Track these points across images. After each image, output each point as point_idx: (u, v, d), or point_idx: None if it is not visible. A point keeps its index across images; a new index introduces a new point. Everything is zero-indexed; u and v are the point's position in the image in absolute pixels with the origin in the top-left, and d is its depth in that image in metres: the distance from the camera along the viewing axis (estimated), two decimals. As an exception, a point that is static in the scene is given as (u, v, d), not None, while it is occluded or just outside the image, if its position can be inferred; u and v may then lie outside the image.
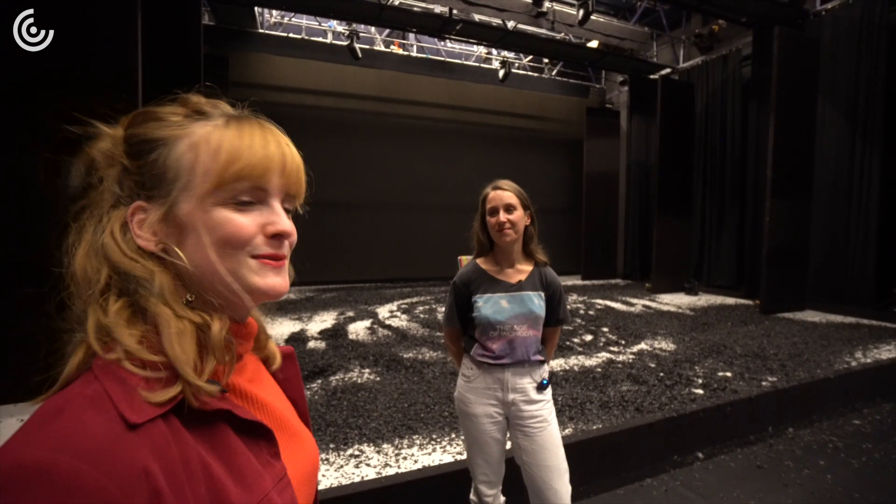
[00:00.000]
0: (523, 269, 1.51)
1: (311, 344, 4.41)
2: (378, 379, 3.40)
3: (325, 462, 2.17)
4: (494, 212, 1.44)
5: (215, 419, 0.41)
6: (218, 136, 0.44)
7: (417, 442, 2.38)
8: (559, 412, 2.73)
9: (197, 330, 0.42)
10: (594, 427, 2.53)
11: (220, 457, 0.40)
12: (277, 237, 0.46)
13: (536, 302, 1.47)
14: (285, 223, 0.47)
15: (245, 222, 0.44)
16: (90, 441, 0.32)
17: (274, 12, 8.45)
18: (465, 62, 9.98)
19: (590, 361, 3.87)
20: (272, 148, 0.46)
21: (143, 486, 0.32)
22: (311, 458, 0.53)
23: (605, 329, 5.06)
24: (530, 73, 10.51)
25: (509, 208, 1.43)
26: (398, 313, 5.96)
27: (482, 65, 10.14)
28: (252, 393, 0.49)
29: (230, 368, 0.44)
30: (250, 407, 0.48)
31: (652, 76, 9.18)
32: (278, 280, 0.46)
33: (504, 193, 1.45)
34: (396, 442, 2.38)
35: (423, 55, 9.69)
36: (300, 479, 0.49)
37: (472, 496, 1.60)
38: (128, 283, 0.41)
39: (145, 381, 0.37)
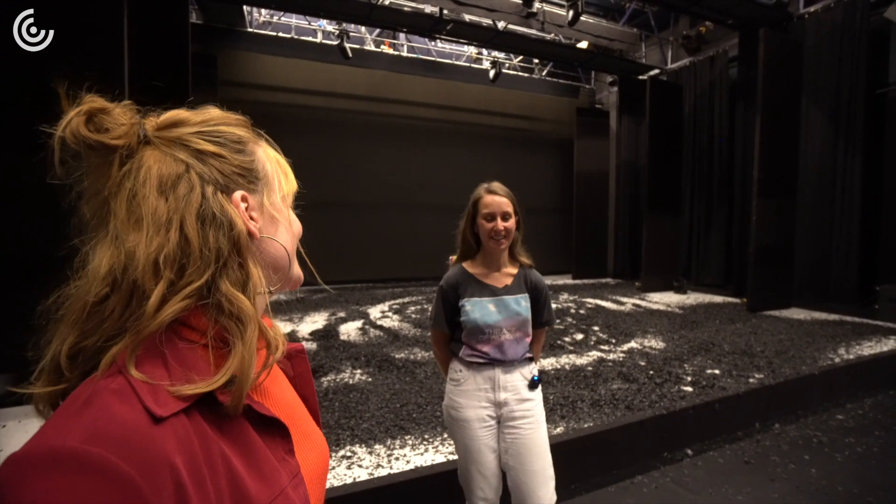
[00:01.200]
0: (509, 273, 1.50)
1: (303, 345, 4.39)
2: (370, 379, 3.39)
3: (317, 464, 2.16)
4: (491, 218, 1.42)
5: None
6: (274, 155, 0.53)
7: (409, 442, 2.38)
8: (551, 410, 2.75)
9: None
10: (585, 425, 2.55)
11: (239, 451, 0.40)
12: None
13: (523, 304, 1.47)
14: None
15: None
16: (119, 434, 0.33)
17: (263, 11, 8.36)
18: (456, 62, 9.97)
19: (581, 360, 3.89)
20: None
21: (167, 479, 0.33)
22: (322, 457, 0.53)
23: (596, 328, 5.10)
24: (521, 74, 10.54)
25: (506, 216, 1.42)
26: (390, 314, 5.95)
27: (473, 65, 10.14)
28: (267, 388, 0.50)
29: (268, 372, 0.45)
30: (266, 402, 0.48)
31: (641, 77, 9.26)
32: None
33: (501, 200, 1.43)
34: (388, 443, 2.38)
35: (414, 55, 9.67)
36: (312, 477, 0.49)
37: None
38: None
39: (168, 376, 0.38)
